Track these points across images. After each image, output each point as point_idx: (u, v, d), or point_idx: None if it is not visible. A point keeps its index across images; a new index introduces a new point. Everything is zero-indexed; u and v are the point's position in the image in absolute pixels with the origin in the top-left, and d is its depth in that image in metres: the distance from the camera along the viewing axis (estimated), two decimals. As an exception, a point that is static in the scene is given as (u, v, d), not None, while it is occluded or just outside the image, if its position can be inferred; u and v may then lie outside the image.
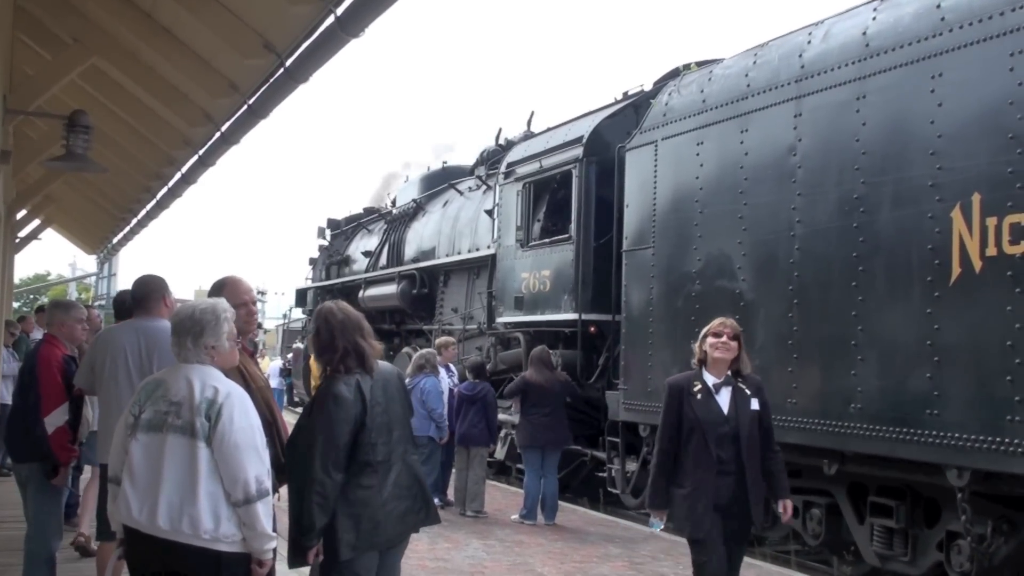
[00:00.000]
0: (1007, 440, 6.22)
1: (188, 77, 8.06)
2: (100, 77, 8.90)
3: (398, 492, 4.37)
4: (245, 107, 8.09)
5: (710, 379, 5.34)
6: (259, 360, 5.98)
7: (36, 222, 18.10)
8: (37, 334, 11.25)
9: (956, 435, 6.55)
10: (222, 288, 4.59)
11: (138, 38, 7.70)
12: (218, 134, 9.15)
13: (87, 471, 7.75)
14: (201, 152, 10.04)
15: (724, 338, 5.33)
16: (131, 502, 3.65)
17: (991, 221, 6.42)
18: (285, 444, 4.47)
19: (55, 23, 8.10)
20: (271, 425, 4.33)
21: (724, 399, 5.29)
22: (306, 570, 4.42)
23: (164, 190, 12.47)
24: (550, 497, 10.10)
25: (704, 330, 5.50)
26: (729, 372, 5.36)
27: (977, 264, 6.50)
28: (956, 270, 6.63)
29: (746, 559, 8.53)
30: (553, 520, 9.99)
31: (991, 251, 6.41)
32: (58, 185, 13.48)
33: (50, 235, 21.20)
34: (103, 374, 5.45)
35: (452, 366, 11.47)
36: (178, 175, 11.40)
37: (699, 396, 5.27)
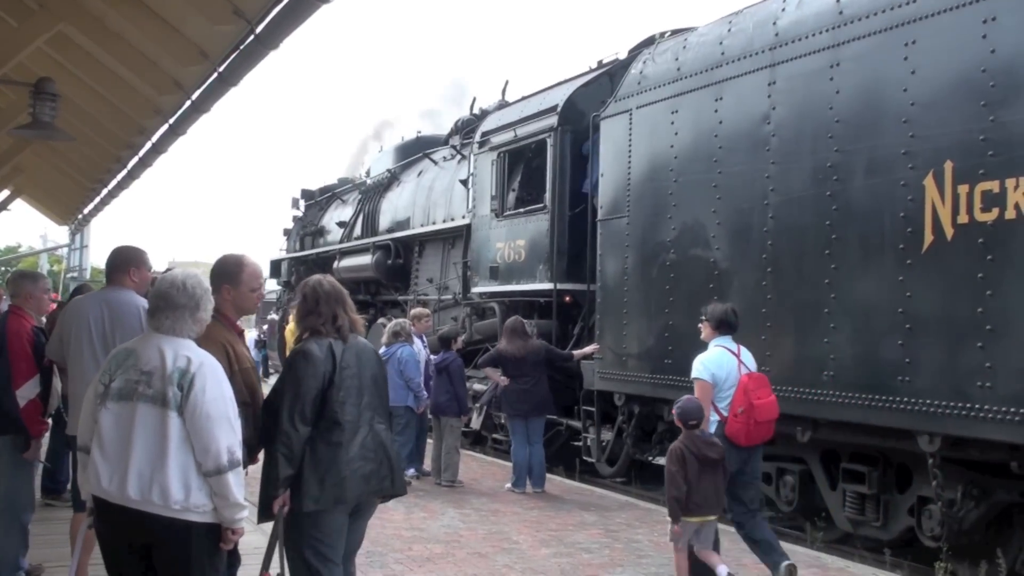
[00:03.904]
0: (977, 406, 6.28)
1: (157, 44, 7.93)
2: (67, 44, 8.74)
3: (364, 453, 4.52)
4: (215, 74, 7.98)
5: None
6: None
7: (5, 193, 17.89)
8: (2, 306, 11.10)
9: (927, 401, 6.61)
10: (241, 270, 4.59)
11: (105, 4, 7.56)
12: (188, 102, 9.02)
13: None
14: (171, 121, 9.91)
15: None
16: (100, 472, 3.62)
17: (963, 189, 6.45)
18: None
19: (20, -12, 7.94)
20: (248, 407, 4.34)
21: None
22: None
23: (135, 160, 12.30)
24: (537, 465, 10.13)
25: None
26: None
27: (949, 232, 6.54)
28: (928, 238, 6.67)
29: (719, 525, 8.64)
30: (542, 488, 10.03)
31: (963, 219, 6.45)
32: (27, 155, 13.29)
33: (20, 206, 20.99)
34: (71, 345, 5.42)
35: (424, 337, 11.44)
36: (148, 144, 11.24)
37: None
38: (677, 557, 6.24)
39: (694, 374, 6.52)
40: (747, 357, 6.67)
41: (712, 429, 6.38)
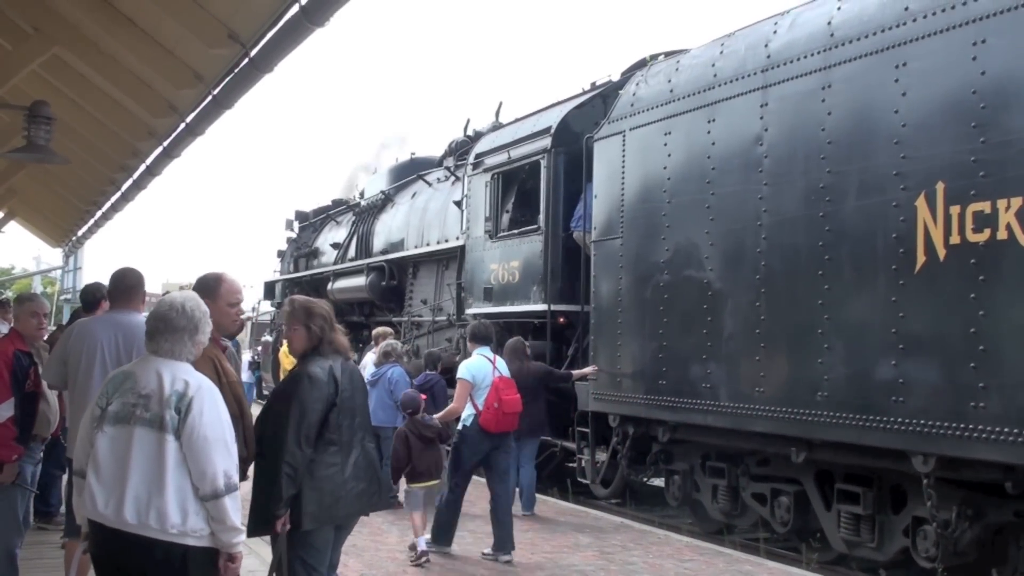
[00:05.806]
0: (971, 426, 6.29)
1: (152, 67, 7.96)
2: (62, 67, 8.76)
3: (357, 473, 4.71)
4: (210, 97, 8.01)
5: None
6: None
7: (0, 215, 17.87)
8: (2, 327, 11.05)
9: (921, 422, 6.62)
10: (219, 284, 4.60)
11: (100, 27, 7.59)
12: (183, 125, 9.04)
13: None
14: (166, 143, 9.93)
15: None
16: (96, 496, 3.60)
17: (955, 209, 6.48)
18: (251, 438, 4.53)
19: (15, 12, 7.96)
20: (238, 420, 4.34)
21: None
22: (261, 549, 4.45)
23: (129, 182, 12.32)
24: (526, 487, 10.07)
25: None
26: None
27: (941, 252, 6.57)
28: (921, 258, 6.70)
29: (715, 547, 8.64)
30: (531, 511, 9.97)
31: (955, 239, 6.48)
32: (21, 177, 13.30)
33: (14, 228, 20.98)
34: (77, 369, 5.33)
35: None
36: (143, 167, 11.26)
37: None
38: (411, 517, 7.88)
39: (458, 375, 8.14)
40: (501, 364, 8.41)
41: (470, 421, 7.98)
